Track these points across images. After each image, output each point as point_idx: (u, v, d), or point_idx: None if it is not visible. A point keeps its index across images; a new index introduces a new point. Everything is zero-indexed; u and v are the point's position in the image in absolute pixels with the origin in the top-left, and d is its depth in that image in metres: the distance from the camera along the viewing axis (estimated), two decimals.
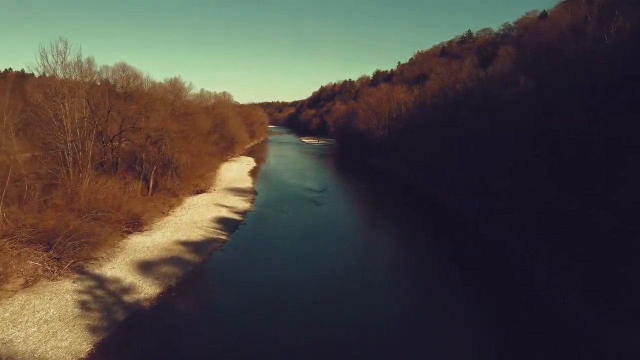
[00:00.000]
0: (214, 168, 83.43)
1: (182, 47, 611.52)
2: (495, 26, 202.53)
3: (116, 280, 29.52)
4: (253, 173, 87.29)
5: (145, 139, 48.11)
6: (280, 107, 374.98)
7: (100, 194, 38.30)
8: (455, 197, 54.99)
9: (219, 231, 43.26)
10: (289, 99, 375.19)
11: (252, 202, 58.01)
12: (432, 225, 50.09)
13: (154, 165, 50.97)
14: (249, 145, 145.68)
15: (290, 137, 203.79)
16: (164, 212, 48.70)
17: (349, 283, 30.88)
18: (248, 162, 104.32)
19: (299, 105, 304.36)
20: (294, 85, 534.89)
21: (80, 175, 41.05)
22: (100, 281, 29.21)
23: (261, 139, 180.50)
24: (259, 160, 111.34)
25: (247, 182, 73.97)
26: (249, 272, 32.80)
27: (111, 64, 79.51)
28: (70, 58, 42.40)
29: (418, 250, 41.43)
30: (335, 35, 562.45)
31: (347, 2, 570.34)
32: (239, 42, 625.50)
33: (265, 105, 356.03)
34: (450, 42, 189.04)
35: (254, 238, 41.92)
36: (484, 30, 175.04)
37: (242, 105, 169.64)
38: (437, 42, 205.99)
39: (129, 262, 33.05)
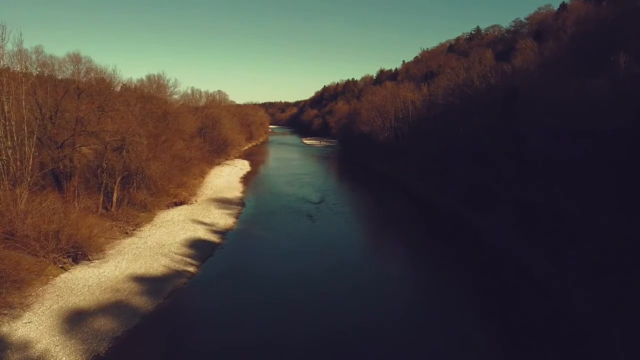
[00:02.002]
0: (202, 174, 75.80)
1: (183, 47, 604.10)
2: (505, 23, 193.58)
3: (24, 345, 21.40)
4: (245, 179, 79.20)
5: (105, 145, 40.04)
6: (282, 107, 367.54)
7: (32, 216, 30.19)
8: (464, 206, 47.19)
9: (188, 259, 35.10)
10: (292, 99, 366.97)
11: (236, 217, 49.81)
12: (441, 240, 42.84)
13: (118, 176, 42.92)
14: (246, 147, 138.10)
15: (292, 138, 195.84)
16: (127, 233, 40.64)
17: (347, 336, 22.74)
18: (242, 167, 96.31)
19: (301, 105, 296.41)
20: (298, 85, 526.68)
21: (17, 190, 33.08)
22: (1, 346, 21.12)
23: (261, 140, 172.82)
24: (254, 163, 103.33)
25: (235, 191, 65.84)
26: (211, 328, 24.57)
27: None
28: (11, 46, 34.50)
29: (426, 273, 33.53)
30: (339, 35, 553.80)
31: (350, 2, 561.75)
32: (241, 42, 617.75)
33: (268, 105, 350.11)
34: (457, 39, 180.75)
35: (228, 270, 33.64)
36: (493, 26, 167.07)
37: (239, 105, 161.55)
38: (442, 40, 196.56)
39: (56, 312, 24.95)
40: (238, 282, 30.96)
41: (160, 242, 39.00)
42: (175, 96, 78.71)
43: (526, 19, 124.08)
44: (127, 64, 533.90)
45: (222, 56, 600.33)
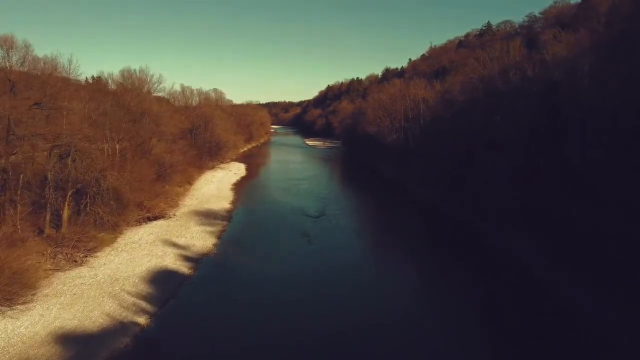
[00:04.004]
0: (190, 180, 67.88)
1: (184, 47, 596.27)
2: (517, 20, 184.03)
3: None
4: (237, 186, 71.02)
5: (49, 152, 32.01)
6: (286, 107, 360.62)
7: None
8: (492, 226, 39.54)
9: (141, 303, 26.88)
10: (296, 99, 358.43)
11: (218, 237, 41.63)
12: (465, 269, 34.29)
13: (69, 190, 34.91)
14: (245, 149, 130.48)
15: (294, 139, 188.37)
16: (76, 261, 32.51)
17: None
18: (237, 171, 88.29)
19: (304, 105, 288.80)
20: (302, 85, 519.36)
21: None
22: None
23: (261, 141, 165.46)
24: (250, 167, 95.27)
25: (224, 201, 57.68)
26: None
27: (59, 53, 64.38)
28: None
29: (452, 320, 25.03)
30: (343, 34, 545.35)
31: (354, 1, 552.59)
32: (244, 42, 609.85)
33: (272, 105, 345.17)
34: (467, 35, 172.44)
35: (189, 321, 25.11)
36: (504, 22, 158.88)
37: (238, 105, 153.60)
38: (450, 38, 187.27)
39: None
40: (198, 344, 22.63)
41: (114, 274, 30.88)
42: (160, 93, 70.61)
43: (540, 13, 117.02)
44: (126, 64, 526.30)
45: (224, 56, 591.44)
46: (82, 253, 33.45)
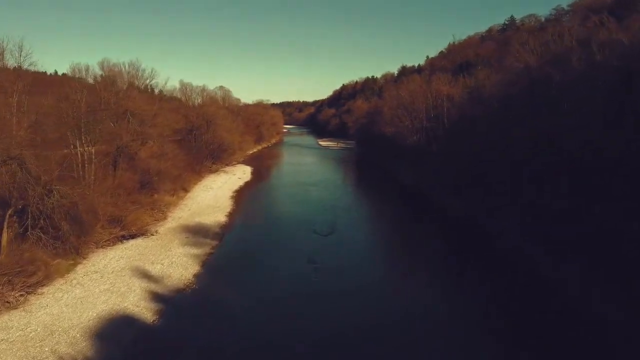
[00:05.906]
0: (186, 186, 60.86)
1: (196, 47, 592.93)
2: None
3: None
4: (239, 193, 63.40)
5: None
6: (300, 106, 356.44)
7: None
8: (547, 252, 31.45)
9: None
10: (311, 99, 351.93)
11: (202, 264, 33.80)
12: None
13: (9, 208, 27.59)
14: (254, 150, 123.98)
15: (307, 139, 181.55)
16: (9, 302, 25.02)
17: None
18: (241, 175, 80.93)
19: (318, 105, 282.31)
20: (318, 85, 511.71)
21: None
22: None
23: (272, 141, 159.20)
24: (257, 170, 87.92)
25: (219, 213, 49.98)
26: None
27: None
28: None
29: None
30: (358, 33, 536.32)
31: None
32: (258, 41, 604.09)
33: (286, 105, 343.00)
34: (489, 29, 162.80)
35: None
36: (529, 16, 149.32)
37: (246, 105, 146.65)
38: (467, 34, 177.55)
39: None
40: None
41: (52, 323, 23.30)
42: (154, 90, 63.36)
43: (569, 6, 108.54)
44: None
45: (237, 56, 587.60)
46: (19, 291, 25.91)
